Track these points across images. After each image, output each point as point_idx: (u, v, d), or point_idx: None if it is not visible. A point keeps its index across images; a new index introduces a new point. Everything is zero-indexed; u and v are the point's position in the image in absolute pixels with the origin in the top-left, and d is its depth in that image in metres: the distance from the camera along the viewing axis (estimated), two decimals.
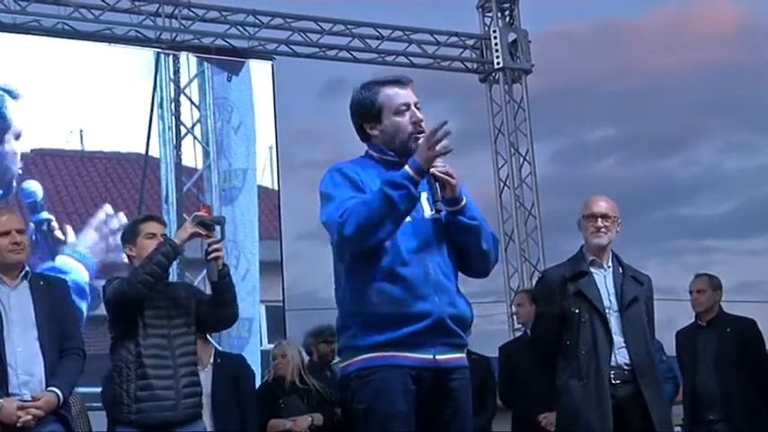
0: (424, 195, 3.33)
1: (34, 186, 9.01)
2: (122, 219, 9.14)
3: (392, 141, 3.36)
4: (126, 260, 4.55)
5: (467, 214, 3.30)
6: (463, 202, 3.30)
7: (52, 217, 8.98)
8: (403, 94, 3.37)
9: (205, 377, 5.41)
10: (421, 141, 3.22)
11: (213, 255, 4.27)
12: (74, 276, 8.70)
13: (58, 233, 8.96)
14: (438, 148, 3.15)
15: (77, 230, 9.23)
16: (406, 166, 3.18)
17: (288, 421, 6.20)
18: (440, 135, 3.15)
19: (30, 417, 4.07)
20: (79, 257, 9.00)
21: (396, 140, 3.36)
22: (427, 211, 3.32)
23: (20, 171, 9.02)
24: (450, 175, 3.25)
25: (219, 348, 6.39)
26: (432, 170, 3.22)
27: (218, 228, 4.30)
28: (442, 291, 3.26)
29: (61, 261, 8.93)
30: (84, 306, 8.61)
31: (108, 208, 9.29)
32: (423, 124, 3.35)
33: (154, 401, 4.18)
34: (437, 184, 3.24)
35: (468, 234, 3.31)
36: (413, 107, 3.36)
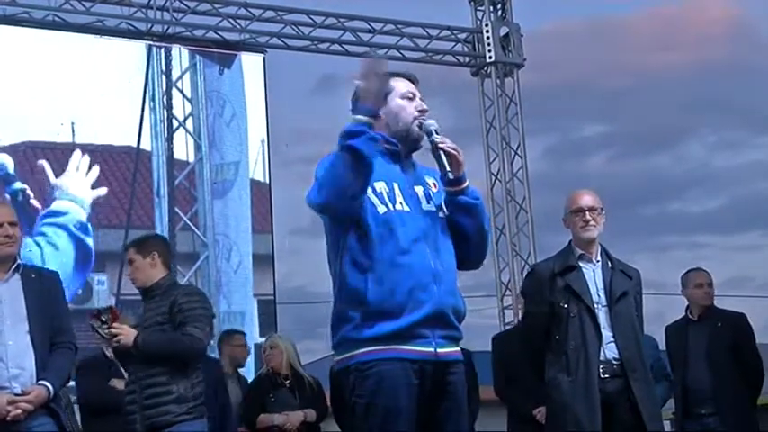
0: (420, 189, 3.36)
1: (3, 159, 8.97)
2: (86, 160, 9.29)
3: (395, 123, 3.39)
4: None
5: (470, 194, 3.35)
6: (467, 183, 3.36)
7: (26, 186, 8.95)
8: (412, 87, 3.47)
9: None
10: (360, 85, 3.25)
11: (113, 343, 4.72)
12: (75, 215, 9.00)
13: (34, 202, 8.94)
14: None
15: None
16: (357, 115, 3.21)
17: (278, 416, 6.18)
18: (375, 66, 3.24)
19: (20, 411, 4.07)
20: (72, 199, 9.08)
21: (399, 122, 3.39)
22: (424, 204, 3.34)
23: None
24: (457, 151, 3.31)
25: None
26: (441, 145, 3.30)
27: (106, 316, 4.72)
28: (441, 280, 3.26)
29: (58, 205, 9.00)
30: (90, 242, 9.00)
31: (78, 153, 9.32)
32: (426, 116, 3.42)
33: (124, 416, 4.68)
34: (446, 158, 3.30)
35: (471, 214, 3.36)
36: (418, 99, 3.44)
